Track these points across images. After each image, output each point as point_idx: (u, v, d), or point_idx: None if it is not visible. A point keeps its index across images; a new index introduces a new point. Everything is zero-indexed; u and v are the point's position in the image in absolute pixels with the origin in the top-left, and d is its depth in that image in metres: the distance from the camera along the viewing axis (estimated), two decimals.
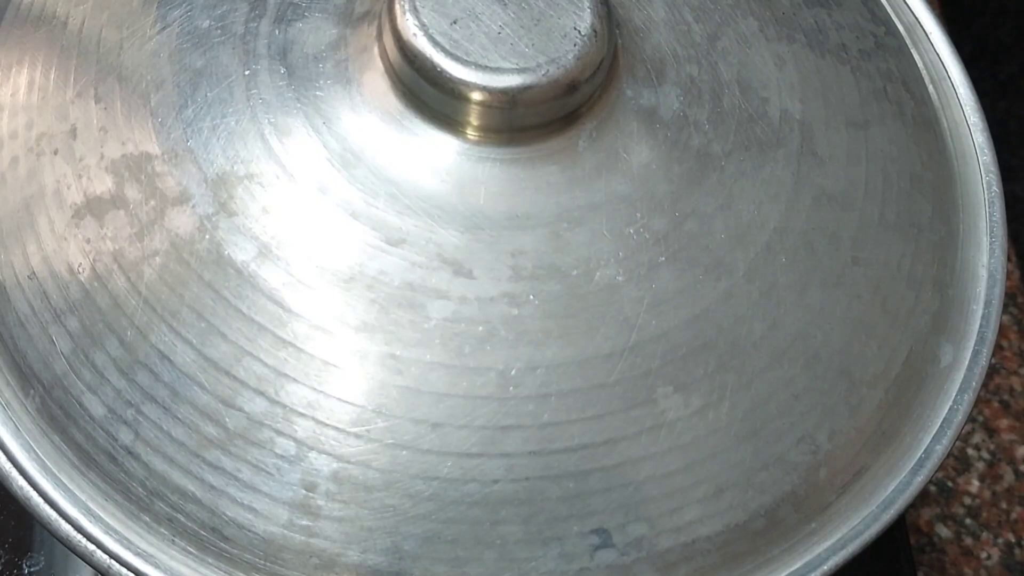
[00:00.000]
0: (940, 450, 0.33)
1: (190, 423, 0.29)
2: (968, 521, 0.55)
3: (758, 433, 0.30)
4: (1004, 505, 0.55)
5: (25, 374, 0.31)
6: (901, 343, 0.33)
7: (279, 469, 0.29)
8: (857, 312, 0.32)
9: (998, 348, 0.59)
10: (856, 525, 0.31)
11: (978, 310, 0.34)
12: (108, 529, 0.30)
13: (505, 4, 0.30)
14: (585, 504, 0.29)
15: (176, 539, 0.30)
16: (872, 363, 0.32)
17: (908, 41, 0.38)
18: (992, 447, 0.57)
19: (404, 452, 0.29)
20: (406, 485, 0.29)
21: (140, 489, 0.30)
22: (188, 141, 0.31)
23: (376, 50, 0.31)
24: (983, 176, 0.36)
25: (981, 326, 0.34)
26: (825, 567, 0.31)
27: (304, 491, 0.29)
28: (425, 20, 0.30)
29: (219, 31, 0.32)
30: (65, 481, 0.30)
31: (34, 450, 0.30)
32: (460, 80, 0.29)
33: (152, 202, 0.31)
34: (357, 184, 0.30)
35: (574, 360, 0.29)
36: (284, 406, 0.29)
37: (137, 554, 0.29)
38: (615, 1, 0.33)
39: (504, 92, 0.29)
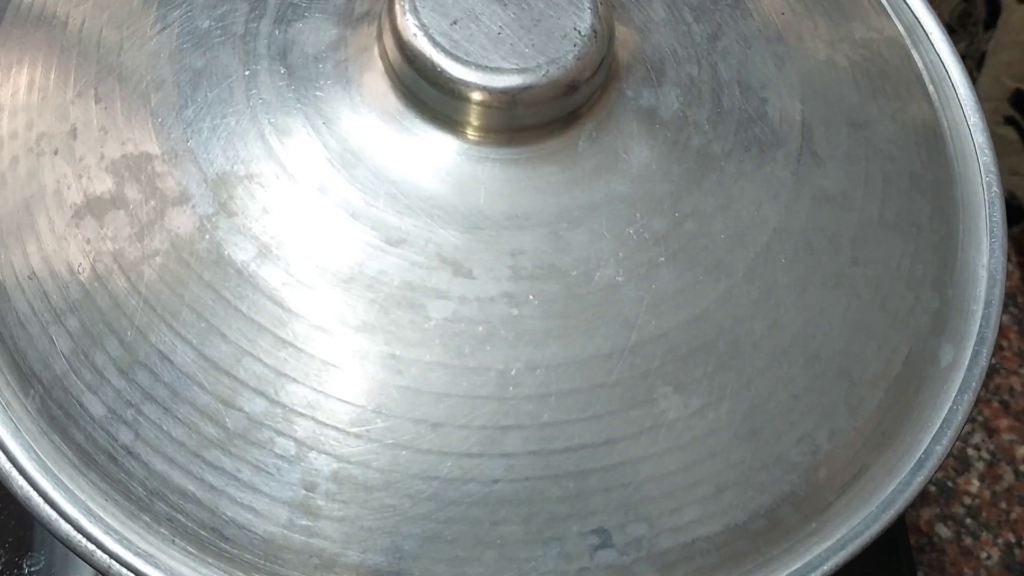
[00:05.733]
0: (940, 450, 0.33)
1: (190, 423, 0.29)
2: (968, 521, 0.55)
3: (758, 433, 0.30)
4: (1004, 505, 0.55)
5: (25, 374, 0.31)
6: (901, 343, 0.33)
7: (279, 469, 0.29)
8: (857, 312, 0.32)
9: (998, 348, 0.59)
10: (856, 525, 0.31)
11: (978, 310, 0.34)
12: (108, 529, 0.30)
13: (505, 4, 0.30)
14: (585, 504, 0.29)
15: (176, 539, 0.30)
16: (872, 363, 0.32)
17: (908, 41, 0.38)
18: (992, 447, 0.57)
19: (404, 452, 0.29)
20: (406, 485, 0.29)
21: (140, 489, 0.30)
22: (188, 141, 0.31)
23: (376, 50, 0.31)
24: (983, 176, 0.36)
25: (981, 326, 0.34)
26: (825, 567, 0.31)
27: (304, 491, 0.29)
28: (425, 20, 0.30)
29: (219, 31, 0.32)
30: (65, 481, 0.30)
31: (34, 450, 0.30)
32: (460, 80, 0.29)
33: (152, 202, 0.31)
34: (357, 184, 0.30)
35: (574, 360, 0.29)
36: (284, 406, 0.29)
37: (137, 554, 0.29)
38: (615, 1, 0.33)
39: (504, 92, 0.29)
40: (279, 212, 0.30)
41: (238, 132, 0.31)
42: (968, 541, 0.54)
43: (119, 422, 0.30)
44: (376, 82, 0.31)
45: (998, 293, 0.35)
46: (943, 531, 0.54)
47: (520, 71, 0.29)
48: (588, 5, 0.30)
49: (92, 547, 0.29)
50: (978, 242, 0.35)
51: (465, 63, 0.29)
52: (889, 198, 0.34)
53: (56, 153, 0.32)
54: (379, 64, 0.31)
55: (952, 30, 0.71)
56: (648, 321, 0.30)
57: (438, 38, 0.30)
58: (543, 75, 0.29)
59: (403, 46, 0.30)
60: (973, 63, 0.70)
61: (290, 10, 0.32)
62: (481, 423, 0.29)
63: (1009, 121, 0.71)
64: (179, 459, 0.29)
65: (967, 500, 0.55)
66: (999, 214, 0.36)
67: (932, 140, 0.36)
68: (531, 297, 0.30)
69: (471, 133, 0.30)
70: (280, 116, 0.31)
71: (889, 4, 0.39)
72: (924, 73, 0.38)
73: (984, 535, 0.54)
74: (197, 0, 0.33)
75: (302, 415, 0.29)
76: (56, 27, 0.34)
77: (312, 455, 0.29)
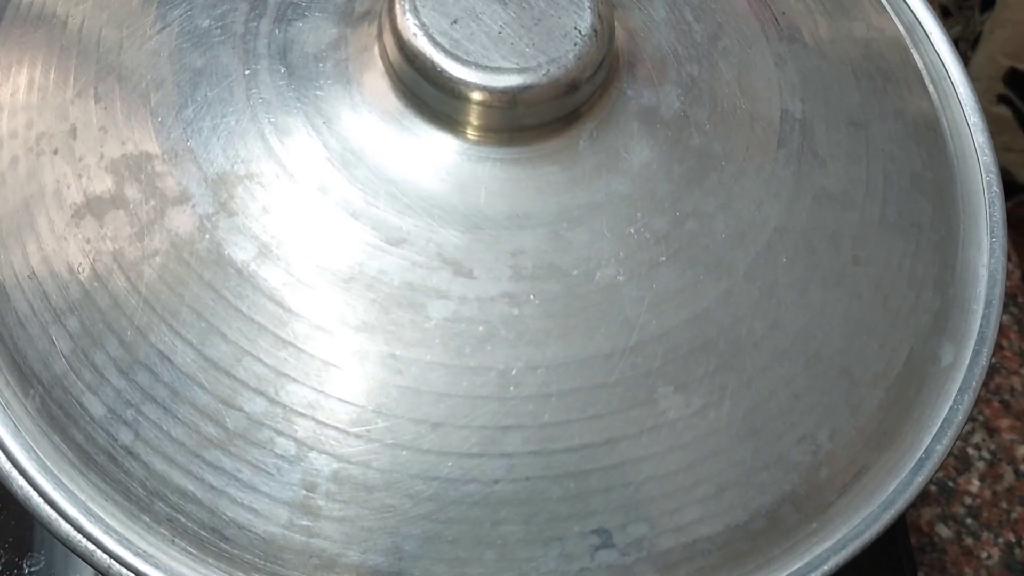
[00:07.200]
0: (940, 450, 0.33)
1: (190, 423, 0.29)
2: (969, 521, 0.55)
3: (758, 433, 0.30)
4: (1004, 505, 0.55)
5: (25, 374, 0.31)
6: (902, 343, 0.33)
7: (279, 469, 0.29)
8: (858, 311, 0.32)
9: (998, 348, 0.59)
10: (857, 525, 0.31)
11: (978, 310, 0.34)
12: (108, 529, 0.30)
13: (505, 3, 0.30)
14: (586, 504, 0.29)
15: (176, 539, 0.29)
16: (873, 363, 0.32)
17: (908, 41, 0.38)
18: (992, 447, 0.57)
19: (404, 452, 0.29)
20: (406, 485, 0.29)
21: (140, 489, 0.30)
22: (188, 141, 0.31)
23: (376, 50, 0.31)
24: (983, 176, 0.36)
25: (981, 326, 0.34)
26: (826, 567, 0.31)
27: (304, 491, 0.29)
28: (425, 20, 0.30)
29: (219, 31, 0.32)
30: (65, 481, 0.30)
31: (34, 450, 0.30)
32: (460, 80, 0.29)
33: (152, 202, 0.31)
34: (357, 184, 0.30)
35: (574, 360, 0.29)
36: (284, 406, 0.29)
37: (137, 554, 0.29)
38: (615, 1, 0.33)
39: (504, 92, 0.29)
40: (279, 212, 0.30)
41: (238, 131, 0.31)
42: (969, 541, 0.54)
43: (119, 422, 0.30)
44: (376, 82, 0.31)
45: (998, 293, 0.35)
46: (944, 531, 0.54)
47: (521, 70, 0.29)
48: (589, 4, 0.30)
49: (92, 547, 0.29)
50: (978, 241, 0.35)
51: (465, 63, 0.29)
52: (890, 197, 0.34)
53: (56, 153, 0.32)
54: (379, 64, 0.31)
55: (948, 13, 0.71)
56: (649, 320, 0.30)
57: (438, 38, 0.30)
58: (544, 74, 0.29)
59: (403, 46, 0.30)
60: (968, 45, 0.70)
61: (290, 9, 0.32)
62: (481, 423, 0.29)
63: (1002, 100, 0.71)
64: (179, 459, 0.29)
65: (968, 500, 0.55)
66: (999, 214, 0.36)
67: (932, 139, 0.36)
68: (532, 297, 0.30)
69: (471, 133, 0.30)
70: (280, 115, 0.31)
71: (889, 4, 0.39)
72: (924, 72, 0.38)
73: (985, 535, 0.54)
74: (197, 0, 0.33)
75: (302, 415, 0.29)
76: (55, 26, 0.34)
77: (312, 455, 0.29)
